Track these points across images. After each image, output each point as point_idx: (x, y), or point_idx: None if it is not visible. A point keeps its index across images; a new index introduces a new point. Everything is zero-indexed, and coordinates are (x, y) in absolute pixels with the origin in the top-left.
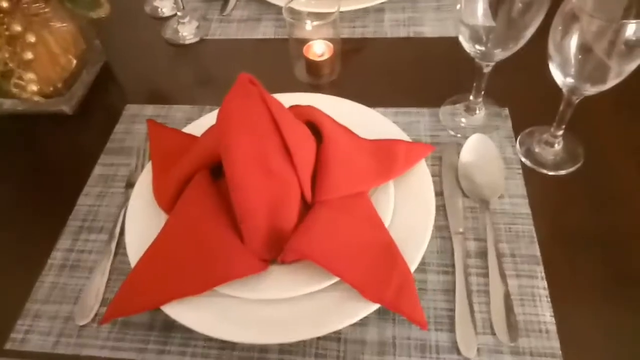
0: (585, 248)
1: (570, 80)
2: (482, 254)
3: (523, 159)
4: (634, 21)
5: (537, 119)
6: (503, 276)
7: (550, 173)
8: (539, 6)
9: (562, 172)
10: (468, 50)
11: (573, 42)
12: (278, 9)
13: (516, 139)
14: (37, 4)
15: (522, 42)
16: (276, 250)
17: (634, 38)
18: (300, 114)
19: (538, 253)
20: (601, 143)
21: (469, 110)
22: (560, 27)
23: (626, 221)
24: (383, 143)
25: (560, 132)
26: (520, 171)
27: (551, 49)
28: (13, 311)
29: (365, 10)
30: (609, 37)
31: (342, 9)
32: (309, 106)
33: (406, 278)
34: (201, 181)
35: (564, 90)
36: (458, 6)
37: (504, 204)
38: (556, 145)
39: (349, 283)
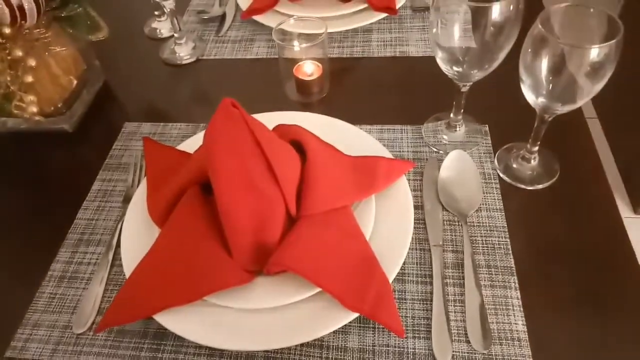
0: (558, 260)
1: (542, 100)
2: (459, 265)
3: (501, 175)
4: (597, 46)
5: (515, 136)
6: (478, 286)
7: (527, 188)
8: (510, 29)
9: (539, 187)
10: (446, 72)
11: (543, 64)
12: (271, 30)
13: (495, 155)
14: (38, 30)
15: (496, 63)
16: (262, 263)
17: (598, 60)
18: (285, 132)
19: (512, 264)
20: (576, 159)
21: (450, 127)
22: (529, 50)
23: (597, 235)
24: (365, 160)
25: (536, 148)
26: (498, 185)
27: (522, 71)
28: (14, 320)
29: (355, 31)
30: (575, 59)
31: (332, 30)
32: (294, 125)
33: (384, 288)
34: (192, 197)
35: (537, 109)
36: (434, 30)
37: (482, 217)
38: (532, 161)
39: (329, 293)
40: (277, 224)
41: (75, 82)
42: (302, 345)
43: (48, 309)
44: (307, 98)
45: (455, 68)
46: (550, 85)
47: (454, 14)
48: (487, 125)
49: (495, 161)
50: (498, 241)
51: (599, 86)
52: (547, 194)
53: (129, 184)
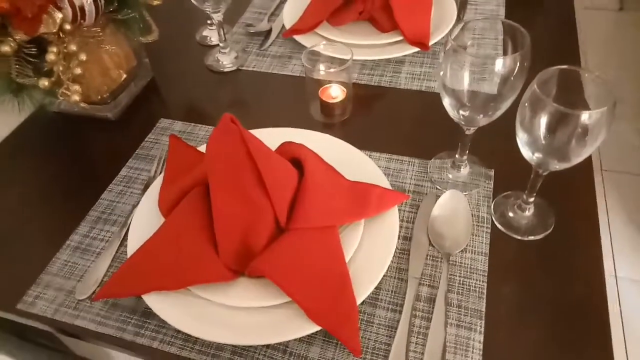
0: (530, 312)
1: (537, 155)
2: (432, 300)
3: (495, 221)
4: (588, 112)
5: (520, 183)
6: (444, 323)
7: (518, 237)
8: (514, 82)
9: (529, 238)
10: (452, 116)
11: (538, 122)
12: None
13: (493, 200)
14: (95, 29)
15: (500, 112)
16: (244, 265)
17: (590, 124)
18: (288, 150)
19: (483, 308)
20: (574, 216)
21: (455, 166)
22: (526, 105)
23: (575, 294)
24: (361, 185)
25: (532, 200)
26: (489, 230)
27: (518, 127)
28: (29, 278)
29: (388, 61)
30: (569, 121)
31: (363, 57)
32: (298, 144)
33: (351, 308)
34: (196, 195)
35: (532, 163)
36: (441, 72)
37: (465, 258)
38: (527, 211)
39: (297, 304)
40: (263, 231)
41: (124, 75)
42: (267, 346)
43: (59, 273)
44: (329, 119)
45: (461, 112)
46: (545, 142)
47: (464, 59)
48: (493, 170)
49: (492, 207)
50: (475, 284)
51: (593, 148)
52: (535, 245)
53: (151, 175)
